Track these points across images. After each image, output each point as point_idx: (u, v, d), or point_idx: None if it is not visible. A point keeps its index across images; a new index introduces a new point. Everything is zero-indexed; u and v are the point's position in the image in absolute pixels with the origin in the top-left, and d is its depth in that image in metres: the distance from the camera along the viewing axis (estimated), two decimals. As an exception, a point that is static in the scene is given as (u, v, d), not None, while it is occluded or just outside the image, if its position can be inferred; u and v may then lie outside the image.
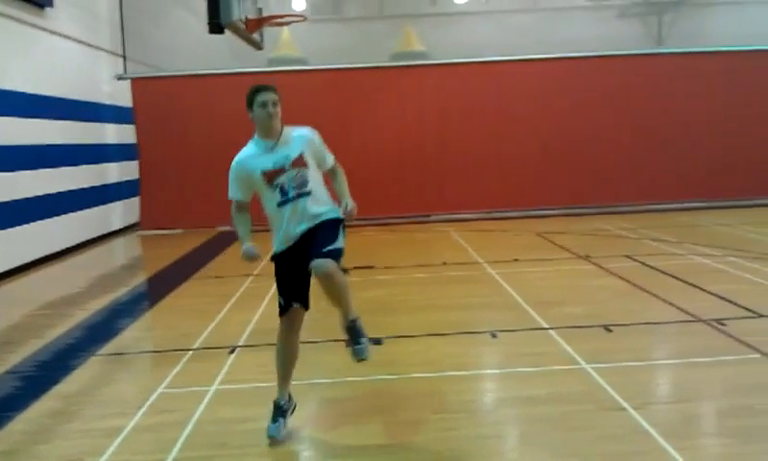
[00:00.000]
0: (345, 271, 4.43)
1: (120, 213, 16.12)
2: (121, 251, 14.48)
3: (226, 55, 17.14)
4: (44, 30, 12.68)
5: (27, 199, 11.68)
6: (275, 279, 4.57)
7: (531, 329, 6.83)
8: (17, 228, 11.40)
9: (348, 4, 21.20)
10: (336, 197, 4.64)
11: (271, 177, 4.39)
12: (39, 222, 12.04)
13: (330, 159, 4.69)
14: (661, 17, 21.21)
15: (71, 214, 13.53)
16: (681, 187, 16.24)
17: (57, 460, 4.41)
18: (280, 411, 4.61)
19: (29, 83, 12.03)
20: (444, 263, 10.58)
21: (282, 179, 4.38)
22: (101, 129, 15.33)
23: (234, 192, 4.53)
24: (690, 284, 8.37)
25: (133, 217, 16.42)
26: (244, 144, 4.57)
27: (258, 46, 12.88)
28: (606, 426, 4.50)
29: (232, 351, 6.47)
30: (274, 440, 4.49)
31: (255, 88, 4.48)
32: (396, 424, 4.69)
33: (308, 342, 6.65)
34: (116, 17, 16.08)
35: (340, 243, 4.38)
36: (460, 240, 12.89)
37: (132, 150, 16.07)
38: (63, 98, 13.34)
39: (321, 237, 4.33)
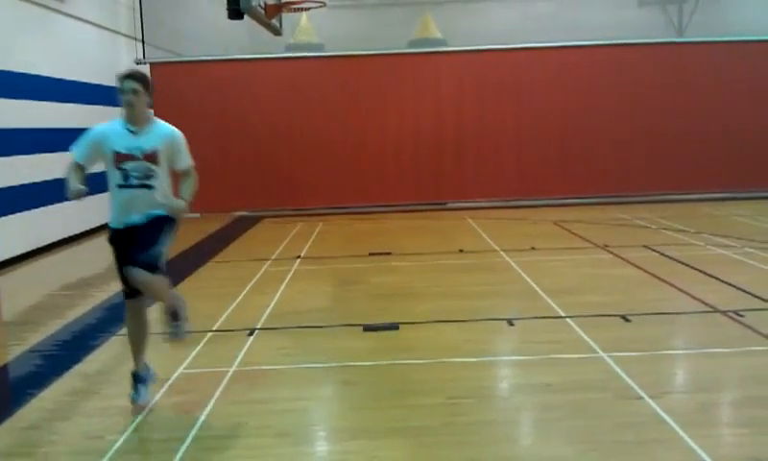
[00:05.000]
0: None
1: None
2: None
3: (244, 40, 17.13)
4: (63, 14, 12.75)
5: (46, 182, 11.78)
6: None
7: (548, 317, 6.83)
8: (37, 210, 11.54)
9: (366, -10, 21.13)
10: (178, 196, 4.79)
11: (120, 159, 4.54)
12: (58, 205, 12.14)
13: (186, 163, 4.85)
14: (682, 5, 20.99)
15: (88, 197, 13.55)
16: (700, 178, 16.14)
17: (77, 437, 4.47)
18: (139, 378, 4.88)
19: (49, 67, 12.12)
20: (461, 251, 10.57)
21: (129, 165, 4.54)
22: (119, 114, 15.35)
23: (80, 153, 4.65)
24: (708, 275, 8.33)
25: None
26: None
27: (277, 32, 12.89)
28: (622, 415, 4.49)
29: (251, 334, 6.53)
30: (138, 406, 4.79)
31: (120, 75, 4.68)
32: (410, 407, 4.72)
33: (321, 326, 6.70)
34: (135, 2, 16.11)
35: (160, 245, 4.58)
36: (477, 228, 12.87)
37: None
38: (83, 82, 13.41)
39: (142, 241, 4.53)
